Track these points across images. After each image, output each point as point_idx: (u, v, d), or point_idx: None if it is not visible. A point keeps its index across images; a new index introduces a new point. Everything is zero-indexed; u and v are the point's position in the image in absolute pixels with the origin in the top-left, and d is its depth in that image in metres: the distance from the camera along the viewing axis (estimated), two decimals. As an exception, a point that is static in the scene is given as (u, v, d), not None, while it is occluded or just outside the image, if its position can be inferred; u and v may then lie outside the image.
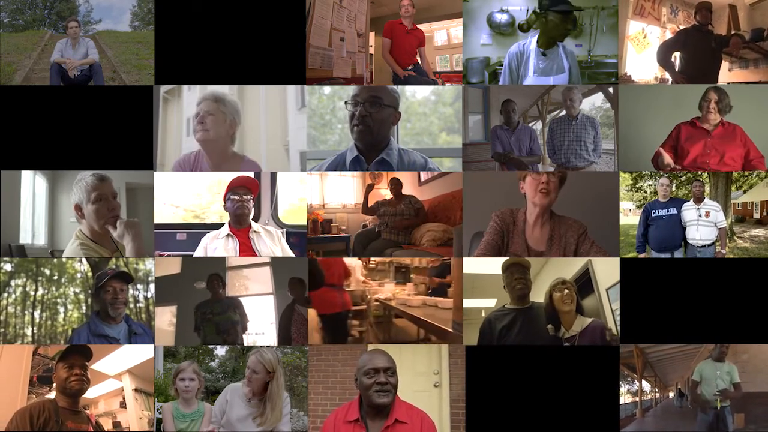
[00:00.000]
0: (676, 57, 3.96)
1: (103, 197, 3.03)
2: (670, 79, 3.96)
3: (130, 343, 3.35)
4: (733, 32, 3.94)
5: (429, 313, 3.95)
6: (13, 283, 3.75)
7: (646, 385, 3.94)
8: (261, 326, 3.84)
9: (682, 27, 4.05)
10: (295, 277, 3.77)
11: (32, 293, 3.79)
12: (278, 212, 4.40)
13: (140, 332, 3.40)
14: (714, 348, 3.65)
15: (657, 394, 4.04)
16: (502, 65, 3.99)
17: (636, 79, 4.08)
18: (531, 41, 3.60)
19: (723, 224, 3.79)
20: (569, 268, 3.42)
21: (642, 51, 4.09)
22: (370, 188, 5.15)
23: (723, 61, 3.98)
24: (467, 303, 3.58)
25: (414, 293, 4.83)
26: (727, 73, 4.00)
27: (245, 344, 3.81)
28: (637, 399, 3.85)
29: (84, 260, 3.73)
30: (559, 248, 2.97)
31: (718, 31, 3.98)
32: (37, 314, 3.79)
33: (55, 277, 3.80)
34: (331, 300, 3.80)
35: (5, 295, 3.72)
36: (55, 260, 3.83)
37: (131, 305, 3.74)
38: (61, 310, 3.79)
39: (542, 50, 3.56)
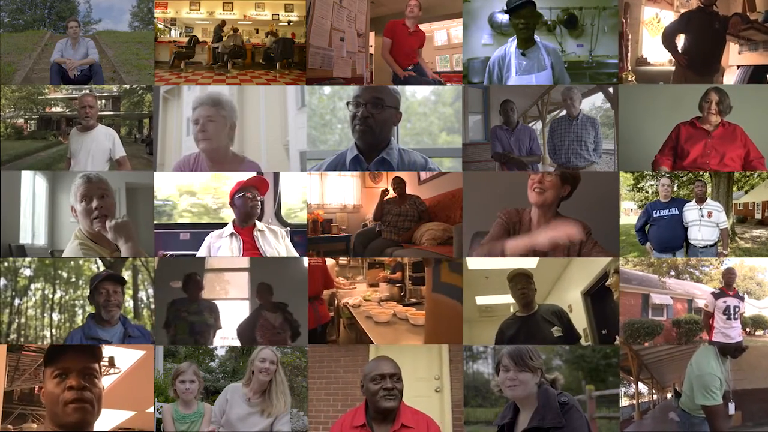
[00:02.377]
0: (681, 39, 3.95)
1: (87, 197, 2.99)
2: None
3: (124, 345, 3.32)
4: (733, 12, 3.93)
5: (397, 332, 3.88)
6: (33, 286, 3.78)
7: (643, 388, 3.93)
8: (233, 331, 3.78)
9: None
10: (264, 283, 3.72)
11: (51, 296, 3.79)
12: (281, 211, 4.40)
13: (136, 335, 3.32)
14: None
15: (655, 396, 4.02)
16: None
17: (652, 61, 4.14)
18: (511, 44, 3.67)
19: (725, 225, 3.77)
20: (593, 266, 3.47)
21: (656, 35, 4.13)
22: (384, 194, 5.12)
23: (732, 44, 3.96)
24: (479, 300, 3.57)
25: (387, 295, 4.79)
26: (737, 56, 3.99)
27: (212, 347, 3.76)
28: (635, 402, 3.84)
29: (100, 262, 3.73)
30: (563, 248, 2.98)
31: (734, 11, 3.93)
32: (55, 316, 3.80)
33: (72, 280, 3.80)
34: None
35: (25, 298, 3.74)
36: (72, 263, 3.82)
37: (152, 307, 3.74)
38: (79, 312, 3.78)
39: (521, 51, 3.64)
